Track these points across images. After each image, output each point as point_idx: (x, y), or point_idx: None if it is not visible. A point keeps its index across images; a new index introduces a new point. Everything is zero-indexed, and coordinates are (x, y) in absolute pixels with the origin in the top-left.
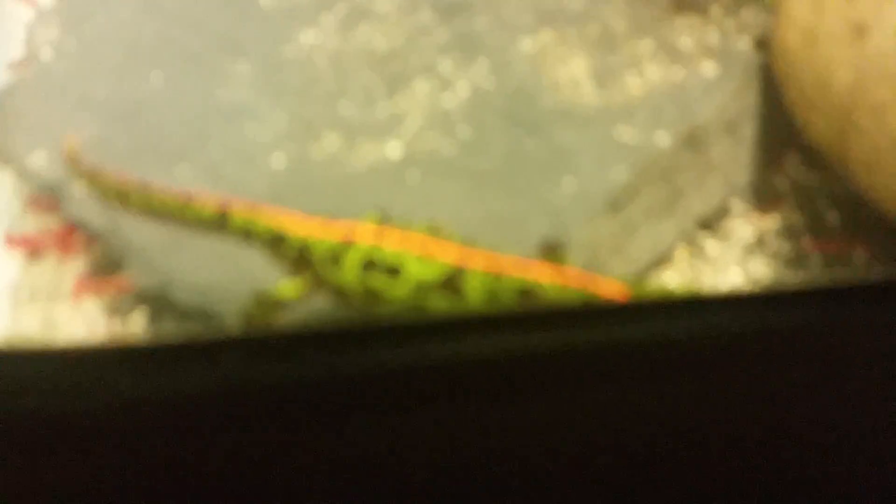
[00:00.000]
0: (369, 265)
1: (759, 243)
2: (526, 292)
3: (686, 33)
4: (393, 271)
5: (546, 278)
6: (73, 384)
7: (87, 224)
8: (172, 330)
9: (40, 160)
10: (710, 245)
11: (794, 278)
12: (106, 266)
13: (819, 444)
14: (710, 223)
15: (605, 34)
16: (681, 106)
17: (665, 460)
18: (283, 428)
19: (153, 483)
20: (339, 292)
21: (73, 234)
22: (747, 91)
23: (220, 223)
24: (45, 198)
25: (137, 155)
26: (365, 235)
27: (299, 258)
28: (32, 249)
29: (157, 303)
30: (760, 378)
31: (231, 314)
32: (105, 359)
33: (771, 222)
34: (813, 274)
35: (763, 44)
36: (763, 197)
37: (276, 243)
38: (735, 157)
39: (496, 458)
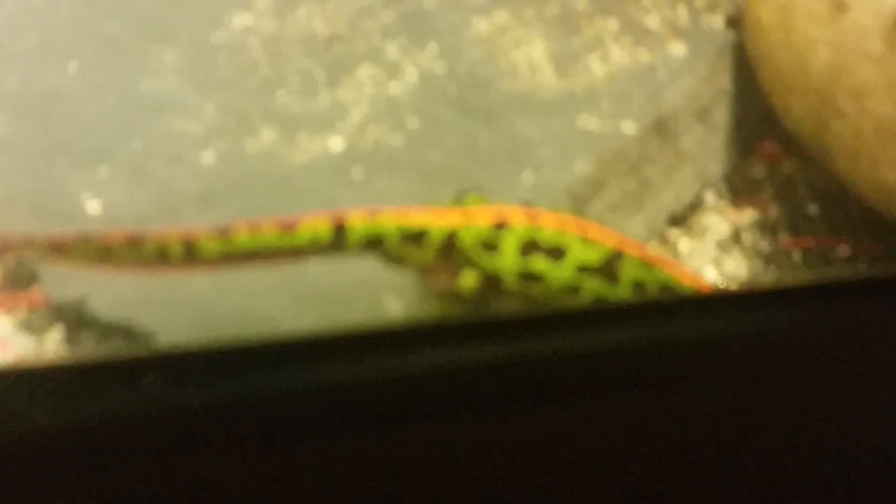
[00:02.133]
0: (529, 248)
1: (735, 239)
2: (667, 288)
3: (653, 11)
4: (556, 253)
5: (685, 279)
6: None
7: None
8: (93, 348)
9: None
10: (683, 242)
11: (772, 276)
12: (18, 279)
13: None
14: (683, 218)
15: (566, 13)
16: (648, 91)
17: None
18: (232, 453)
19: None
20: (494, 277)
21: None
22: (720, 74)
23: (335, 242)
24: None
25: (52, 154)
26: (518, 218)
27: (442, 249)
28: None
29: (76, 319)
30: (738, 381)
31: (158, 328)
32: (19, 382)
33: (747, 216)
34: (793, 272)
35: (736, 22)
36: (738, 189)
37: (415, 239)
38: (707, 146)
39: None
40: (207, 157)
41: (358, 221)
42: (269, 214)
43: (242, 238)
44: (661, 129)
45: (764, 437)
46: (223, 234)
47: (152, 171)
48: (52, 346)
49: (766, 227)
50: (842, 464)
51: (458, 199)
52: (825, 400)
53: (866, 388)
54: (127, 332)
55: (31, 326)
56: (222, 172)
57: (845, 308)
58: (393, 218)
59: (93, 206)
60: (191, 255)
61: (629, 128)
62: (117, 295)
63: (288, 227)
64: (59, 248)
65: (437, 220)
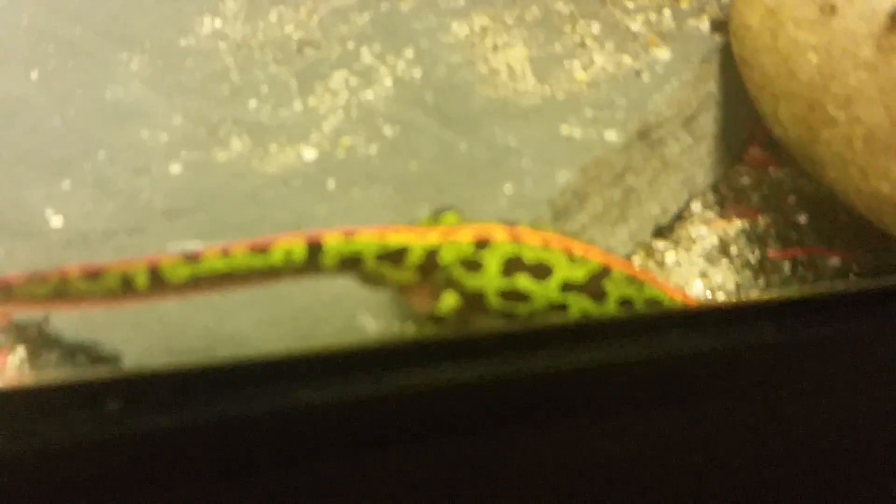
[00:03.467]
0: (512, 266)
1: (723, 250)
2: (654, 304)
3: (637, 15)
4: (541, 271)
5: (672, 295)
6: None
7: None
8: (56, 369)
9: None
10: (669, 254)
11: (761, 288)
12: None
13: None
14: (669, 229)
15: (547, 17)
16: (632, 98)
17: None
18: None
19: None
20: (475, 296)
21: None
22: (706, 79)
23: (310, 262)
24: None
25: (12, 166)
26: (501, 236)
27: (422, 268)
28: None
29: (38, 338)
30: (727, 397)
31: (124, 349)
32: None
33: (735, 227)
34: (782, 283)
35: (722, 25)
36: (726, 198)
37: (394, 257)
38: (694, 154)
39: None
40: (175, 169)
41: (334, 240)
42: (240, 228)
43: (213, 261)
44: (646, 137)
45: (754, 452)
46: (193, 259)
47: (117, 183)
48: (13, 367)
49: (754, 238)
50: (834, 476)
51: (435, 217)
52: (816, 413)
53: (859, 402)
54: (91, 353)
55: None
56: (190, 184)
57: (836, 321)
58: (371, 235)
59: (54, 221)
60: (158, 282)
61: (613, 136)
62: (82, 314)
63: (261, 249)
64: (7, 290)
65: (416, 238)
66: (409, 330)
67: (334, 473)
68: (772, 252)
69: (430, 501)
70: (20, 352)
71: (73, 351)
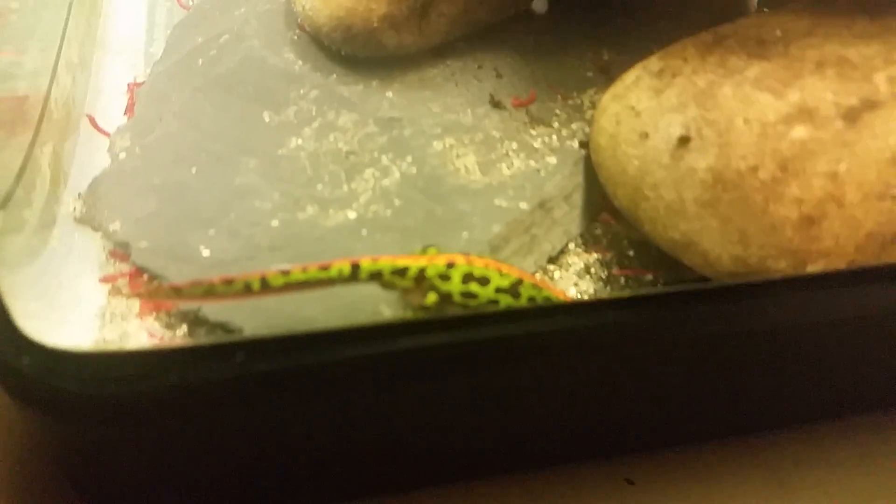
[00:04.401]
0: (467, 278)
1: (587, 271)
2: (549, 300)
3: (538, 138)
4: (483, 281)
5: (558, 294)
6: (138, 374)
7: (148, 268)
8: (205, 337)
9: (117, 226)
10: (556, 273)
11: (608, 292)
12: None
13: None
14: (556, 258)
15: (487, 140)
16: (535, 184)
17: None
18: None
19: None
20: (446, 295)
21: (139, 275)
22: (576, 174)
23: (353, 275)
24: (120, 251)
25: (180, 223)
26: (461, 260)
27: (416, 279)
28: (114, 284)
29: (194, 319)
30: (585, 356)
31: (245, 324)
32: (162, 357)
33: (594, 257)
34: (620, 289)
35: (585, 144)
36: (588, 241)
37: (400, 273)
38: (570, 216)
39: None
40: (275, 223)
41: (366, 262)
42: (311, 257)
43: (297, 274)
44: (543, 206)
45: (582, 393)
46: (285, 273)
47: (242, 231)
48: (180, 336)
49: (604, 264)
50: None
51: (424, 250)
52: (626, 373)
53: (662, 366)
54: (225, 327)
55: (168, 325)
56: (283, 232)
57: (648, 311)
58: (387, 260)
59: (205, 253)
60: (265, 287)
61: (524, 205)
62: (220, 305)
63: (324, 267)
64: (178, 291)
65: (413, 261)
66: (409, 314)
67: (365, 397)
68: (614, 271)
69: (420, 415)
70: (183, 328)
71: (214, 327)
